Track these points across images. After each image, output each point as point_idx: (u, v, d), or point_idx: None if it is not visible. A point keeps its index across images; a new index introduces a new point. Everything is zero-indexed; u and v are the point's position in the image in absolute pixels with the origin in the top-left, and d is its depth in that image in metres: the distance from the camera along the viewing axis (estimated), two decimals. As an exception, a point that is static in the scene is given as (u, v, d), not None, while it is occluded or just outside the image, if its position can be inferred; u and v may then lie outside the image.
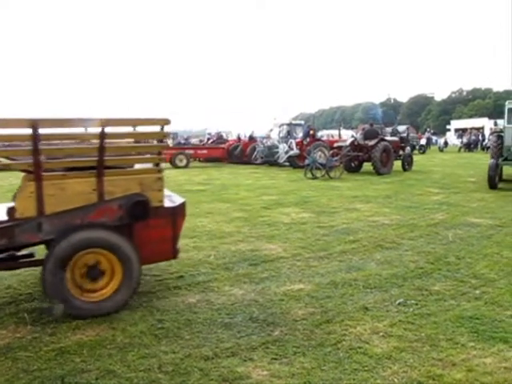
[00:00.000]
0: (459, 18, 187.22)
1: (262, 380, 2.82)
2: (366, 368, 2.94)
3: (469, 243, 6.11)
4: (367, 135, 16.98)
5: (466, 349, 3.20)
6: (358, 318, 3.73)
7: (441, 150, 36.87)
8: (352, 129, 45.34)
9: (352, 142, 16.96)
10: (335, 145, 17.89)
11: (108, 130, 3.70)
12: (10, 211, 3.63)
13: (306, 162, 15.43)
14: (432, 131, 48.01)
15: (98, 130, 3.65)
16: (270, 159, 20.61)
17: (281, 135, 22.14)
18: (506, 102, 12.88)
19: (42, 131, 3.51)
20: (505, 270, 4.93)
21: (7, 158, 3.78)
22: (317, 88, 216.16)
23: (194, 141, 33.58)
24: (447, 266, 5.10)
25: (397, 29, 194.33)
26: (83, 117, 3.75)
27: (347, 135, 26.12)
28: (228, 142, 26.34)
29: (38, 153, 3.52)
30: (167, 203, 4.19)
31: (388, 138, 18.56)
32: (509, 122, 12.33)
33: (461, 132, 46.62)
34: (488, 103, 75.95)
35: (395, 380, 2.81)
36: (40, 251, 4.28)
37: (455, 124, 59.77)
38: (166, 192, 4.36)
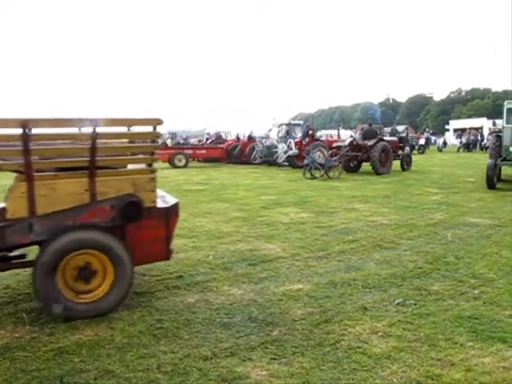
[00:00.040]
0: (458, 18, 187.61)
1: (260, 380, 2.82)
2: (364, 368, 2.94)
3: (468, 243, 6.12)
4: (366, 135, 17.01)
5: (464, 348, 3.20)
6: (357, 317, 3.73)
7: (440, 150, 36.93)
8: (351, 129, 45.23)
9: (351, 142, 16.96)
10: (334, 145, 17.88)
11: (100, 130, 3.67)
12: (1, 212, 3.60)
13: (305, 161, 15.43)
14: (431, 131, 48.09)
15: (90, 130, 3.62)
16: (268, 159, 20.61)
17: (280, 135, 22.10)
18: (505, 102, 12.87)
19: (34, 131, 3.48)
20: (504, 270, 4.94)
21: None
22: (316, 88, 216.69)
23: (192, 141, 33.61)
24: (446, 266, 5.10)
25: (396, 29, 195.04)
26: (75, 117, 3.72)
27: (346, 135, 26.05)
28: (227, 142, 26.29)
29: (28, 153, 3.48)
30: (160, 204, 4.16)
31: (387, 137, 18.59)
32: (507, 122, 12.33)
33: (460, 132, 46.66)
34: (487, 103, 75.99)
35: (394, 380, 2.81)
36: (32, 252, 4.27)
37: (454, 124, 59.73)
38: (159, 192, 4.34)
